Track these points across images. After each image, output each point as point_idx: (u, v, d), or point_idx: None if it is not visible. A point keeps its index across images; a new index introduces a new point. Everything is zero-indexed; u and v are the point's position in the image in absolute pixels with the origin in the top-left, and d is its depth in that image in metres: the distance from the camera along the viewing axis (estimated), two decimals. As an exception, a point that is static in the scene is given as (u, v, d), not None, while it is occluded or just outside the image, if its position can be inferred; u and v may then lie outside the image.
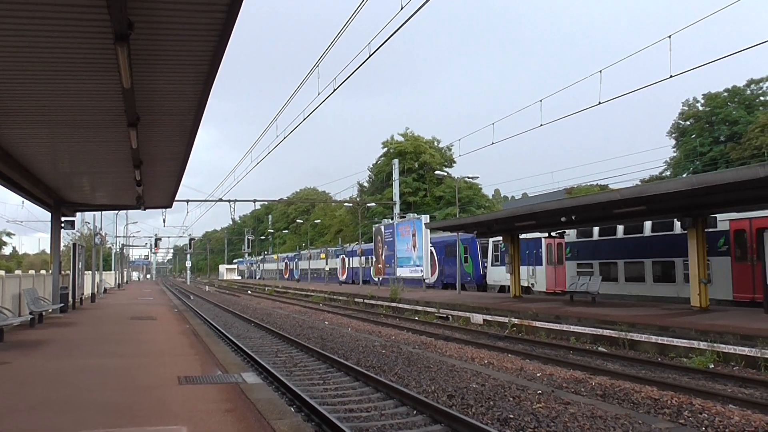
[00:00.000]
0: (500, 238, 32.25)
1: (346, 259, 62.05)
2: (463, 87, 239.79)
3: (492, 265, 36.00)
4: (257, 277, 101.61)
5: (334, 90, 17.16)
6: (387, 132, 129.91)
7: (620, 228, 27.05)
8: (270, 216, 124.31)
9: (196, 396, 7.69)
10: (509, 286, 31.96)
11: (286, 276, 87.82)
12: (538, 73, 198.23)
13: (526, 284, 31.94)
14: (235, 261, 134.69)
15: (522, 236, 30.14)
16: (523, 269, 31.15)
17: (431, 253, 41.38)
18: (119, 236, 69.72)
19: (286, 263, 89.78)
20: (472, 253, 38.86)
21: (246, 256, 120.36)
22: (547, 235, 29.81)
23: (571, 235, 29.65)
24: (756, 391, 11.35)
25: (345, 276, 62.68)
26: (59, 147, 13.81)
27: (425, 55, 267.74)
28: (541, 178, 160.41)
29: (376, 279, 48.00)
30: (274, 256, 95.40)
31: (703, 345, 14.48)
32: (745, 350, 13.59)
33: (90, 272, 36.07)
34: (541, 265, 31.66)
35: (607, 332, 17.38)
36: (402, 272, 41.33)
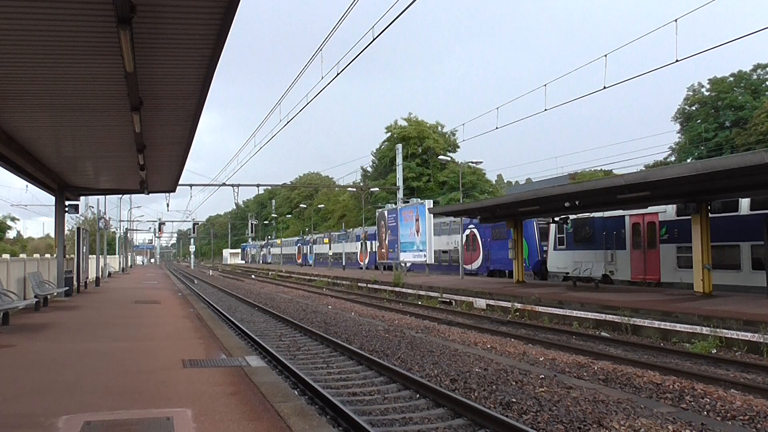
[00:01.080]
0: (565, 217, 27.59)
1: (368, 243, 55.73)
2: (467, 72, 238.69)
3: (555, 249, 30.48)
4: (268, 262, 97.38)
5: (338, 74, 17.10)
6: (391, 117, 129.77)
7: (744, 202, 21.46)
8: (273, 201, 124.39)
9: (200, 379, 7.74)
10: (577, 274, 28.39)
11: (299, 261, 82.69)
12: (544, 57, 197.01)
13: (603, 272, 26.47)
14: (242, 245, 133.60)
15: (597, 214, 26.60)
16: (599, 253, 27.07)
17: (475, 236, 37.61)
18: (123, 220, 69.87)
19: (299, 247, 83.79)
20: (528, 235, 32.83)
21: (249, 240, 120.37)
22: (633, 212, 25.17)
23: (668, 212, 24.22)
24: (758, 376, 11.37)
25: (367, 261, 56.48)
26: (62, 131, 13.79)
27: (430, 40, 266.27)
28: (545, 163, 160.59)
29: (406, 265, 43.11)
30: (278, 240, 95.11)
31: (705, 330, 14.51)
32: (748, 335, 13.61)
33: (94, 256, 36.19)
34: (625, 248, 26.20)
35: (609, 317, 17.41)
36: (405, 257, 41.39)
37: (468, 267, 38.01)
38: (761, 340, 13.19)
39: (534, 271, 33.06)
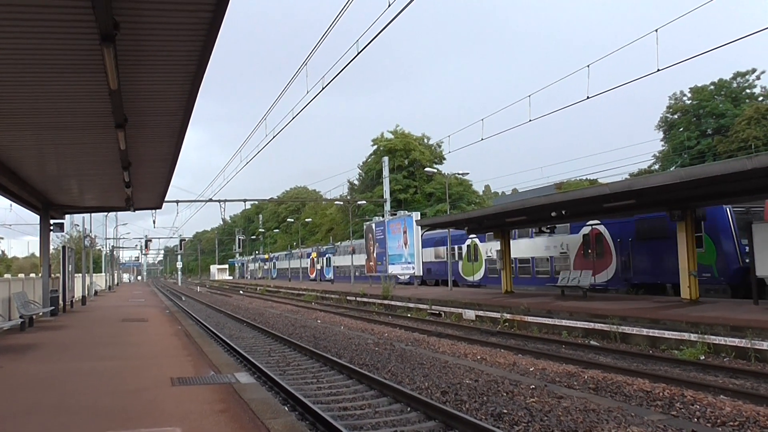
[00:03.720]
0: None
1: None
2: (452, 84, 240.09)
3: None
4: (273, 277, 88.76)
5: (323, 88, 17.14)
6: (377, 130, 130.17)
7: None
8: (260, 215, 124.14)
9: (189, 397, 7.67)
10: None
11: (312, 275, 71.76)
12: (527, 68, 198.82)
13: None
14: (230, 261, 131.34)
15: None
16: None
17: (600, 236, 27.30)
18: (109, 238, 69.43)
19: (312, 260, 71.82)
20: (714, 229, 22.49)
21: (237, 256, 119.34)
22: None
23: None
24: (746, 382, 11.45)
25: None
26: (46, 149, 13.70)
27: (414, 53, 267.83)
28: (531, 173, 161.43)
29: (472, 279, 35.47)
30: (265, 254, 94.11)
31: (693, 337, 14.59)
32: (735, 341, 13.70)
33: (80, 275, 35.85)
34: None
35: (598, 326, 17.47)
36: (393, 269, 41.37)
37: None
38: (749, 346, 13.29)
39: (728, 282, 22.08)
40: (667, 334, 15.39)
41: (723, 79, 58.70)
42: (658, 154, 62.20)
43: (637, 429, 7.64)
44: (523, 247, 32.58)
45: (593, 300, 22.01)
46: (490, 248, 35.37)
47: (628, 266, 25.72)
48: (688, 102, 59.94)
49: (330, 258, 64.52)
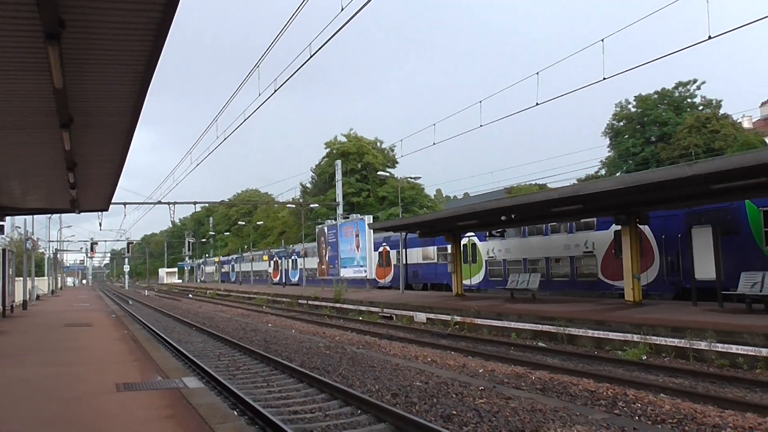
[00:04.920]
0: None
1: (392, 252, 40.64)
2: (405, 89, 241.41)
3: None
4: (232, 281, 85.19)
5: (275, 90, 17.08)
6: (330, 133, 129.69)
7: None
8: (211, 218, 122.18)
9: (135, 403, 7.53)
10: None
11: (276, 279, 66.60)
12: (479, 75, 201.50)
13: None
14: (179, 264, 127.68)
15: None
16: None
17: (641, 233, 21.22)
18: (52, 241, 67.30)
19: (276, 262, 66.97)
20: None
21: (186, 259, 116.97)
22: None
23: None
24: (685, 381, 11.88)
25: (389, 278, 41.12)
26: (-14, 149, 13.24)
27: (368, 58, 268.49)
28: (482, 177, 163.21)
29: (469, 282, 31.28)
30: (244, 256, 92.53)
31: (636, 338, 15.06)
32: (675, 341, 14.20)
33: (21, 279, 34.66)
34: None
35: (546, 328, 17.85)
36: (345, 273, 41.29)
37: (614, 283, 23.94)
38: (687, 346, 13.79)
39: None
40: (612, 335, 15.83)
41: (666, 88, 60.68)
42: (604, 160, 63.79)
43: (582, 428, 7.84)
44: (535, 247, 28.30)
45: (542, 302, 22.44)
46: (492, 248, 31.02)
47: (676, 268, 21.22)
48: (633, 110, 61.72)
49: (296, 260, 59.55)
